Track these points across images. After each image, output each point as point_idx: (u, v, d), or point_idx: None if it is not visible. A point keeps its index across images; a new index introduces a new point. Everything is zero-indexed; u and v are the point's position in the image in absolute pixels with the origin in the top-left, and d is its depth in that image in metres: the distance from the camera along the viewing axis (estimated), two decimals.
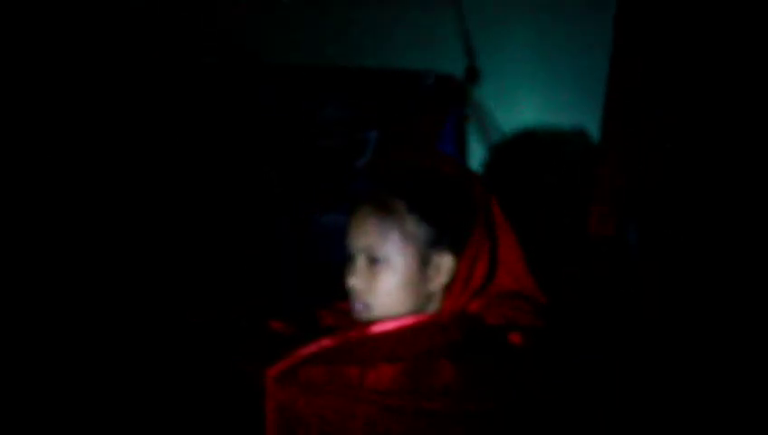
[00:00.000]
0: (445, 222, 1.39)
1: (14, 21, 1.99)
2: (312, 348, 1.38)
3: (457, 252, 1.40)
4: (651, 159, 1.92)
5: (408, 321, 1.39)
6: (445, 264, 1.40)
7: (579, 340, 1.50)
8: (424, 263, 1.39)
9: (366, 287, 1.40)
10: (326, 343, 1.39)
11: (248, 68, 2.19)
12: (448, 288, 1.42)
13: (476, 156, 2.16)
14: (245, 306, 1.67)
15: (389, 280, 1.39)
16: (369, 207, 1.41)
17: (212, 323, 1.59)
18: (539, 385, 1.35)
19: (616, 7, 1.91)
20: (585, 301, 1.82)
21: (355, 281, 1.41)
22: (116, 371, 1.60)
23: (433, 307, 1.43)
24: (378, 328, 1.39)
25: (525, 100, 2.12)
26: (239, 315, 1.60)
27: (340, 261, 1.46)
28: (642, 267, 1.91)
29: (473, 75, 2.13)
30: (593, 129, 2.08)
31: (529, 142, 2.13)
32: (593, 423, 1.45)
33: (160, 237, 2.01)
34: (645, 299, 1.88)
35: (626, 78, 1.92)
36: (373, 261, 1.39)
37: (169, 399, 1.52)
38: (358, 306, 1.42)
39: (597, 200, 1.95)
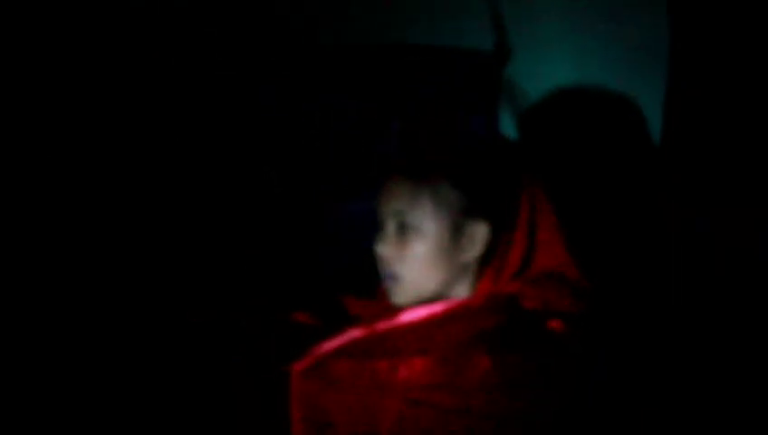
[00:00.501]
0: (480, 190, 1.35)
1: (13, 21, 1.98)
2: (338, 341, 1.35)
3: (493, 222, 1.35)
4: (719, 154, 1.84)
5: (440, 308, 1.34)
6: (479, 233, 1.35)
7: (621, 330, 1.44)
8: (457, 231, 1.35)
9: (395, 255, 1.36)
10: (353, 334, 1.35)
11: (259, 53, 2.14)
12: (484, 267, 1.38)
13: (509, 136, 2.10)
14: (265, 300, 1.65)
15: (420, 248, 1.35)
16: (401, 171, 1.37)
17: (232, 318, 1.57)
18: (580, 382, 1.31)
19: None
20: (633, 287, 1.75)
21: (384, 248, 1.38)
22: (133, 370, 1.59)
23: (466, 282, 1.39)
24: (407, 317, 1.35)
25: (559, 76, 2.04)
26: (260, 309, 1.57)
27: (365, 249, 1.43)
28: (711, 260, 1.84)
29: (503, 53, 2.07)
30: (633, 105, 2.01)
31: (562, 118, 2.06)
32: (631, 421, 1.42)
33: (161, 237, 2.00)
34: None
35: (688, 71, 1.84)
36: (403, 227, 1.35)
37: (193, 393, 1.50)
38: (387, 275, 1.38)
39: (665, 196, 1.89)
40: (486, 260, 1.38)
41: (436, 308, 1.35)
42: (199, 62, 2.11)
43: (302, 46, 2.14)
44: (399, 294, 1.38)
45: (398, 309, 1.37)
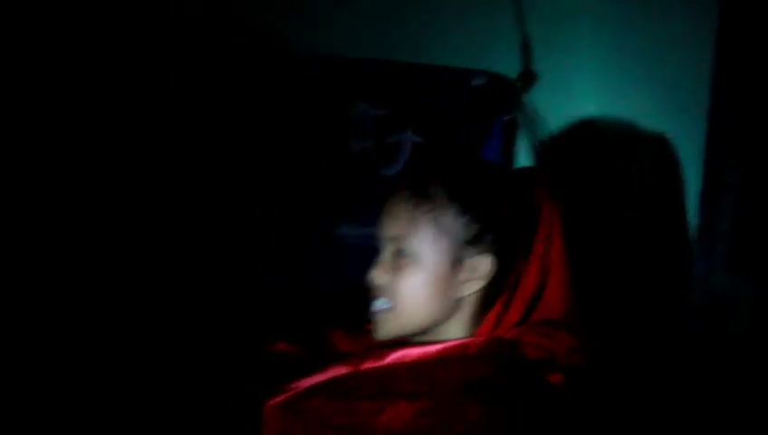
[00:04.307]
0: (488, 219, 1.33)
1: (13, 21, 2.01)
2: (320, 377, 1.34)
3: (499, 257, 1.34)
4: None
5: (433, 349, 1.33)
6: (482, 268, 1.33)
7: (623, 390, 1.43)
8: (457, 263, 1.33)
9: (388, 283, 1.35)
10: (336, 371, 1.34)
11: (271, 56, 2.16)
12: (483, 306, 1.36)
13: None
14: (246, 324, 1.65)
15: (415, 277, 1.33)
16: (404, 191, 1.35)
17: (210, 347, 1.57)
18: None
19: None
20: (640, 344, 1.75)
21: (377, 275, 1.36)
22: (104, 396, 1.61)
23: (461, 320, 1.37)
24: (397, 356, 1.34)
25: (585, 106, 2.05)
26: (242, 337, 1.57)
27: (360, 279, 1.42)
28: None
29: (528, 78, 2.08)
30: (663, 140, 2.01)
31: (587, 155, 2.06)
32: None
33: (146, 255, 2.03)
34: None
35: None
36: (400, 254, 1.34)
37: (164, 418, 1.52)
38: (378, 304, 1.37)
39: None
40: (488, 298, 1.36)
41: (430, 349, 1.33)
42: (202, 72, 2.15)
43: (324, 57, 2.18)
44: (387, 326, 1.36)
45: (388, 347, 1.35)
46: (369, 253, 1.42)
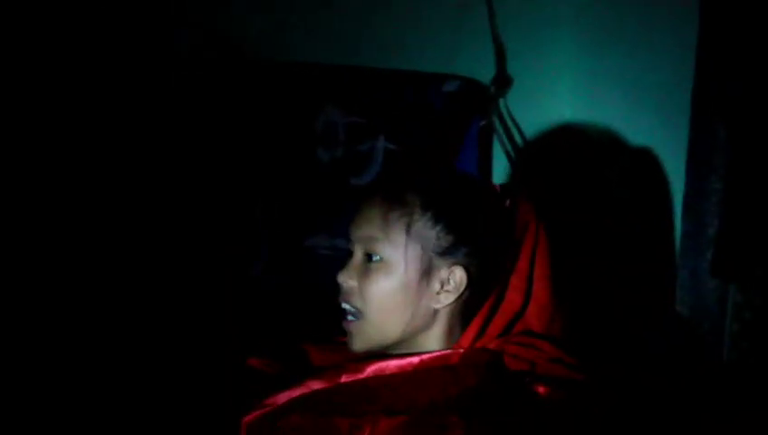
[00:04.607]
0: (463, 231, 1.31)
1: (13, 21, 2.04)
2: (295, 393, 1.32)
3: (474, 270, 1.32)
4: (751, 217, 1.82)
5: (413, 361, 1.32)
6: (454, 280, 1.32)
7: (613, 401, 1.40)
8: (429, 272, 1.31)
9: (357, 287, 1.33)
10: (312, 386, 1.32)
11: (237, 65, 2.17)
12: (465, 318, 1.34)
13: (502, 174, 2.09)
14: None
15: (384, 282, 1.31)
16: (378, 194, 1.34)
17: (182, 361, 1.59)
18: None
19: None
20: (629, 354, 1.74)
21: (345, 277, 1.34)
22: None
23: (437, 332, 1.35)
24: (375, 369, 1.32)
25: (564, 110, 2.03)
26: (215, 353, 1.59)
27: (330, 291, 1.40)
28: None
29: (503, 82, 2.06)
30: (644, 145, 2.00)
31: (566, 161, 2.05)
32: None
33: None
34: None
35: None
36: (370, 257, 1.32)
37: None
38: (346, 309, 1.35)
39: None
40: (466, 312, 1.34)
41: (409, 361, 1.32)
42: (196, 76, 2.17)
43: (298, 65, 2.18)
44: (361, 337, 1.34)
45: (366, 360, 1.33)
46: (339, 264, 1.39)
